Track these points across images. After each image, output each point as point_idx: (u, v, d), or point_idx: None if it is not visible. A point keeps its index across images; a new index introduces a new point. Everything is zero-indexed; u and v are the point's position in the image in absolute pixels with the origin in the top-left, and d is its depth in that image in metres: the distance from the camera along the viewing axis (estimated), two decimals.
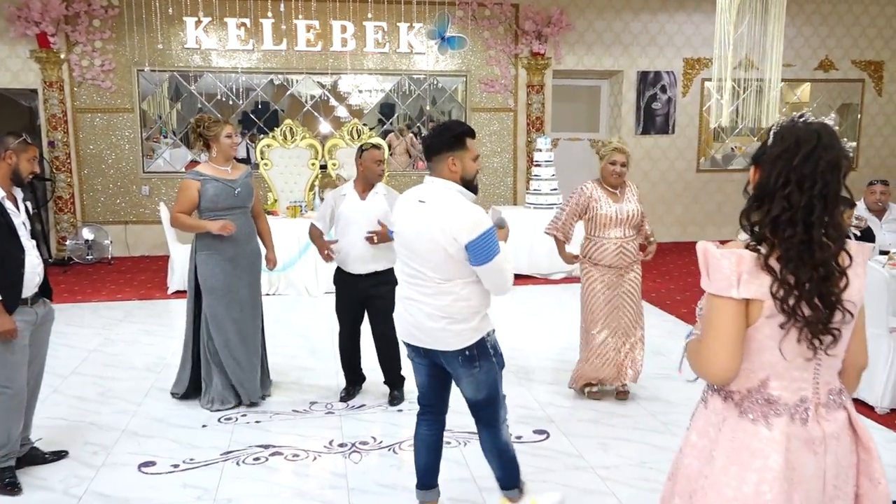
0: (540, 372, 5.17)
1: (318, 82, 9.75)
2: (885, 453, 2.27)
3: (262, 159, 8.38)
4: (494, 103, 10.03)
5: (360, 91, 9.98)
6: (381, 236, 4.22)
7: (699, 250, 1.80)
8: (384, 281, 4.35)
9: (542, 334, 6.19)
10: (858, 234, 4.99)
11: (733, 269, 1.72)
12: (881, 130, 11.18)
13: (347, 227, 4.37)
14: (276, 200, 8.09)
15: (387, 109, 10.31)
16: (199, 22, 9.06)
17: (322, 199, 7.80)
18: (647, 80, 10.35)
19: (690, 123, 10.62)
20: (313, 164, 8.52)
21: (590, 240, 4.47)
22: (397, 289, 3.04)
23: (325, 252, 4.47)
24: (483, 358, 2.83)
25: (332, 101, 10.04)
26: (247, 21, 9.14)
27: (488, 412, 2.95)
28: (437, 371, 2.96)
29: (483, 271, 2.70)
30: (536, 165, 8.36)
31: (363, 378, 4.74)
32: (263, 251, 4.57)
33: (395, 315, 2.99)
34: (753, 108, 6.54)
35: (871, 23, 10.85)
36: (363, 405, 4.53)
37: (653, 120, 10.47)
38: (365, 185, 4.41)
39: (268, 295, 7.31)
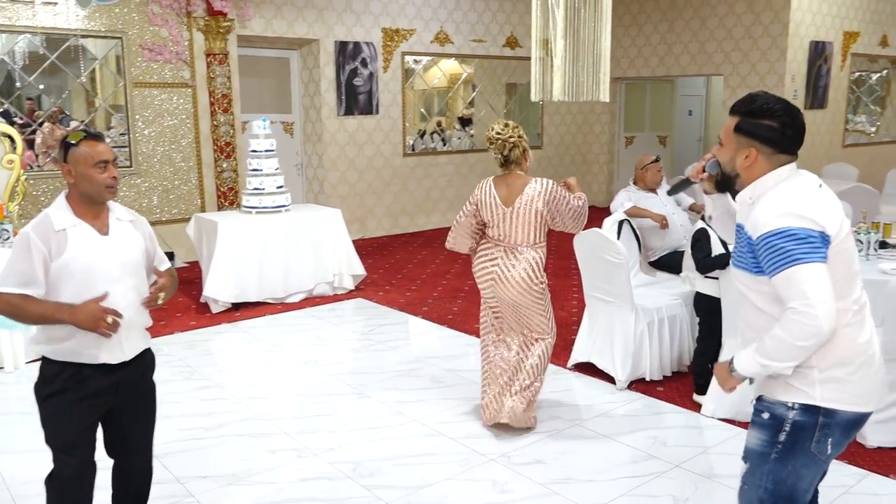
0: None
1: None
2: None
3: None
4: (165, 76, 7.59)
5: None
6: (158, 288, 2.48)
7: None
8: (150, 365, 2.66)
9: (297, 381, 4.45)
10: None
11: None
12: (559, 108, 11.38)
13: (93, 285, 2.35)
14: None
15: (5, 84, 7.05)
16: None
17: None
18: (347, 53, 8.87)
19: (394, 102, 9.45)
20: None
21: None
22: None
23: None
24: None
25: None
26: None
27: None
28: None
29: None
30: (255, 156, 6.33)
31: None
32: None
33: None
34: (576, 78, 5.62)
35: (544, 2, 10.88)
36: None
37: (356, 98, 9.04)
38: (95, 208, 2.45)
39: None
